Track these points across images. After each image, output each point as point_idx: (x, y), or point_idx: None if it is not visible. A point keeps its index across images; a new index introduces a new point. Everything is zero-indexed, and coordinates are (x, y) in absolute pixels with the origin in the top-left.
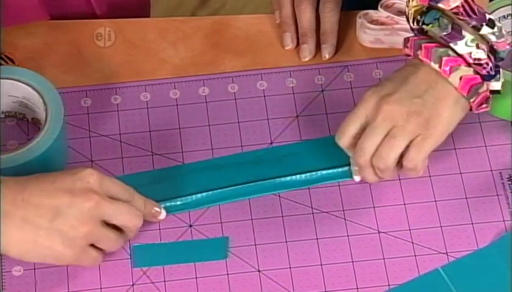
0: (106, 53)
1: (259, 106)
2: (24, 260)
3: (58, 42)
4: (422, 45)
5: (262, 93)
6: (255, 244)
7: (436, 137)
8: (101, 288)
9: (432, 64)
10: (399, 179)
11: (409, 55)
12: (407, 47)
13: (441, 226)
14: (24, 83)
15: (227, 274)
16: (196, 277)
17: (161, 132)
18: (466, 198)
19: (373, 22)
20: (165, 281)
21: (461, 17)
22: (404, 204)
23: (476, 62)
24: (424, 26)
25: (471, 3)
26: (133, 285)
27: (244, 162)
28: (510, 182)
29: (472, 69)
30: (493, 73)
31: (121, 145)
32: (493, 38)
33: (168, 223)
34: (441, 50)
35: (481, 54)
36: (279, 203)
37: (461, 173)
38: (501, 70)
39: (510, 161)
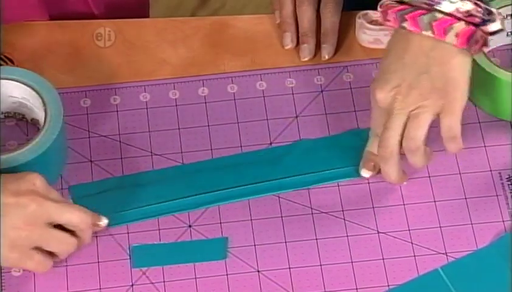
0: (106, 53)
1: (258, 107)
2: None
3: (58, 42)
4: (406, 16)
5: (261, 94)
6: (255, 245)
7: (460, 98)
8: (100, 288)
9: (424, 32)
10: None
11: (392, 27)
12: (388, 20)
13: (440, 226)
14: (23, 83)
15: (227, 275)
16: (196, 278)
17: (160, 133)
18: (466, 198)
19: (372, 22)
20: (164, 281)
21: None
22: (404, 204)
23: (466, 14)
24: None
25: None
26: (132, 285)
27: (244, 162)
28: (510, 183)
29: (463, 22)
30: (487, 18)
31: (121, 145)
32: None
33: (167, 223)
34: (428, 16)
35: (467, 5)
36: (278, 203)
37: (460, 173)
38: (494, 10)
39: (510, 161)
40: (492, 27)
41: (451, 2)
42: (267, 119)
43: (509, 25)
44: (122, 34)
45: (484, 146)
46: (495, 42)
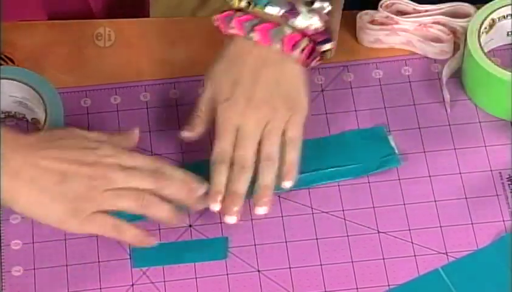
0: (106, 53)
1: None
2: (27, 216)
3: (58, 42)
4: (255, 28)
5: None
6: (255, 244)
7: (297, 108)
8: (100, 288)
9: (273, 45)
10: (399, 180)
11: (226, 33)
12: (232, 28)
13: (441, 226)
14: (23, 83)
15: (227, 274)
16: (196, 277)
17: (161, 132)
18: (466, 198)
19: (372, 22)
20: (164, 281)
21: None
22: (404, 204)
23: (314, 32)
24: (256, 7)
25: None
26: (133, 285)
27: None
28: (510, 182)
29: (308, 39)
30: (328, 36)
31: None
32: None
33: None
34: (277, 29)
35: (318, 23)
36: (279, 203)
37: (461, 173)
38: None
39: (510, 161)
40: (326, 46)
41: (304, 19)
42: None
43: (510, 25)
44: (122, 34)
45: (485, 146)
46: (495, 42)
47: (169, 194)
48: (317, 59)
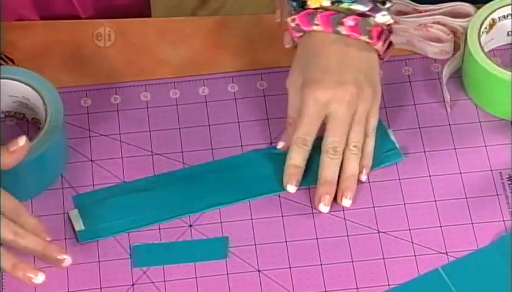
0: (106, 53)
1: (259, 106)
2: None
3: (58, 42)
4: (343, 20)
5: (262, 93)
6: (255, 244)
7: (378, 97)
8: (101, 288)
9: (362, 37)
10: (399, 179)
11: (305, 31)
12: (316, 24)
13: (441, 226)
14: (23, 83)
15: (227, 274)
16: (196, 277)
17: (161, 132)
18: (466, 198)
19: None
20: (165, 281)
21: None
22: (404, 204)
23: (388, 28)
24: (342, 4)
25: None
26: (133, 284)
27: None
28: (510, 182)
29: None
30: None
31: (121, 145)
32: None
33: (167, 223)
34: (364, 21)
35: (391, 20)
36: (279, 203)
37: (461, 173)
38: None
39: (510, 161)
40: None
41: (383, 15)
42: (267, 119)
43: (510, 25)
44: (122, 34)
45: (485, 146)
46: (495, 42)
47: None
48: (390, 53)
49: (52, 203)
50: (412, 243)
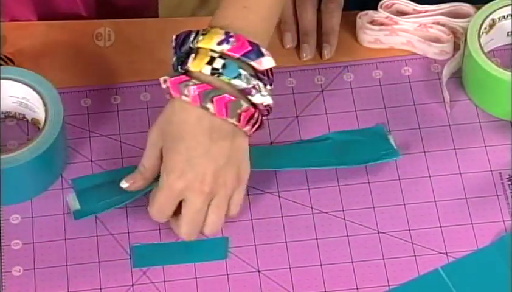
0: (106, 53)
1: None
2: None
3: (58, 42)
4: (214, 99)
5: None
6: (255, 244)
7: (243, 181)
8: (100, 288)
9: (229, 119)
10: (399, 179)
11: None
12: (186, 95)
13: (441, 226)
14: (23, 83)
15: (227, 274)
16: (196, 277)
17: None
18: (466, 198)
19: (372, 22)
20: (164, 281)
21: (260, 75)
22: (404, 204)
23: (264, 107)
24: (221, 76)
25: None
26: (133, 285)
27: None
28: (510, 182)
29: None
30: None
31: (121, 145)
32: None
33: (168, 223)
34: (235, 103)
35: (269, 100)
36: (279, 203)
37: (461, 173)
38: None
39: (510, 161)
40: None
41: (262, 95)
42: (267, 119)
43: (510, 25)
44: (122, 34)
45: (485, 146)
46: (495, 42)
47: None
48: (258, 130)
49: (52, 203)
50: (412, 243)
